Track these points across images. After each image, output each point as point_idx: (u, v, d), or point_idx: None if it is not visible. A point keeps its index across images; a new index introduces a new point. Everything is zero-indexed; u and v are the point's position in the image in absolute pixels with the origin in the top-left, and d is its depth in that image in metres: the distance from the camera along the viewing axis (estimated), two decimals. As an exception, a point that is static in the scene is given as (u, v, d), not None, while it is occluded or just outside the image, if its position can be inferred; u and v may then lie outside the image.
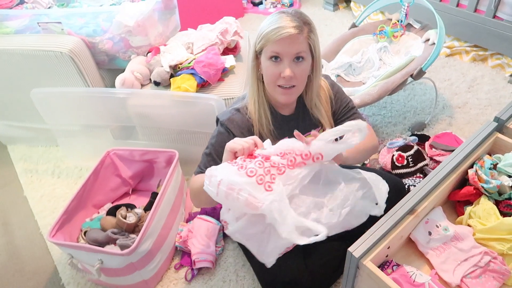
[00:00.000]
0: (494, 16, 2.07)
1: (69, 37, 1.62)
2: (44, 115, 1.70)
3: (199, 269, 1.46)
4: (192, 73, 1.57)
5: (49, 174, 1.92)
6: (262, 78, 1.07)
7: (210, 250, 1.45)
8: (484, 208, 1.01)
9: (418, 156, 1.61)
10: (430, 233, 1.00)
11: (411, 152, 1.61)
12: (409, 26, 1.93)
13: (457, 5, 2.19)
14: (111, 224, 1.48)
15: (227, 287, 1.40)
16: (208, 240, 1.47)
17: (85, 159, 1.93)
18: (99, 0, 1.84)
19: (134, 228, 1.49)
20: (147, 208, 1.56)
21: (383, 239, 0.91)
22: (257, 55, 1.04)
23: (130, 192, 1.75)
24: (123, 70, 1.66)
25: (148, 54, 1.69)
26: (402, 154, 1.60)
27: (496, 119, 1.14)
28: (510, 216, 1.00)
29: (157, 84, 1.61)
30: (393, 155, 1.62)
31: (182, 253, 1.51)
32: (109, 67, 1.81)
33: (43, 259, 1.58)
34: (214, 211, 1.59)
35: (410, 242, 1.04)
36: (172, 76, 1.62)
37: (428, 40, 1.74)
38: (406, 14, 1.86)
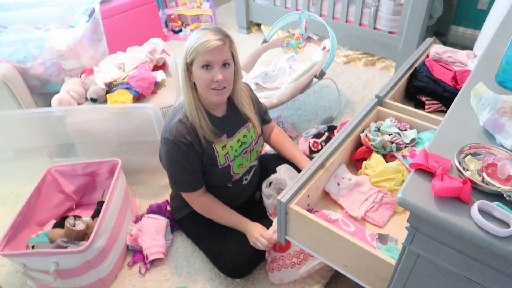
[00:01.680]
0: (375, 28, 2.56)
1: (0, 64, 1.69)
2: (-23, 142, 1.72)
3: (152, 262, 1.57)
4: (127, 88, 1.73)
5: (-18, 204, 1.89)
6: (195, 86, 1.28)
7: (161, 243, 1.58)
8: (375, 160, 1.33)
9: (329, 141, 1.93)
10: (339, 184, 1.28)
11: (323, 138, 1.93)
12: (309, 38, 2.31)
13: (346, 21, 2.67)
14: (60, 235, 1.53)
15: (180, 273, 1.54)
16: (157, 235, 1.60)
17: (20, 185, 1.94)
18: (27, 29, 1.93)
19: (83, 236, 1.56)
20: (95, 215, 1.65)
21: (303, 188, 1.16)
22: (188, 66, 1.25)
23: (74, 207, 1.81)
24: (57, 93, 1.76)
25: (82, 75, 1.81)
26: (316, 140, 1.92)
27: (377, 97, 1.49)
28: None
29: (94, 100, 1.74)
30: (309, 142, 1.92)
31: (134, 251, 1.62)
32: (42, 91, 1.89)
33: (-13, 283, 1.57)
34: (160, 210, 1.73)
35: (326, 195, 1.31)
36: (107, 92, 1.76)
37: (325, 47, 2.12)
38: (305, 29, 2.24)
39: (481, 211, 0.58)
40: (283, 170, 1.47)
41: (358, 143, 1.41)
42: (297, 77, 2.02)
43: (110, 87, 1.77)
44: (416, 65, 1.71)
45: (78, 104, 1.78)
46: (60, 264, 1.34)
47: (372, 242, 1.11)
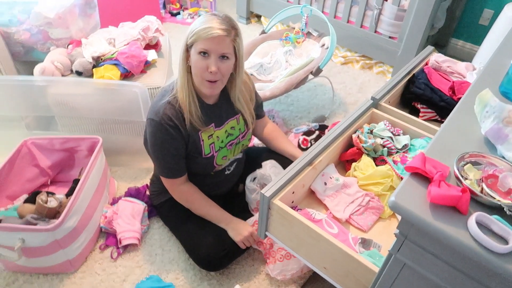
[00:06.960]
0: (375, 31, 2.52)
1: (-18, 24, 1.59)
2: (-50, 105, 1.62)
3: (125, 247, 1.51)
4: (115, 64, 1.65)
5: (-49, 171, 1.79)
6: (190, 70, 1.21)
7: (136, 228, 1.52)
8: (364, 162, 1.29)
9: (319, 139, 1.89)
10: (325, 184, 1.24)
11: (313, 136, 1.89)
12: (309, 34, 2.26)
13: (348, 22, 2.62)
14: (30, 211, 1.46)
15: (153, 260, 1.48)
16: (133, 219, 1.54)
17: (-5, 155, 1.85)
18: (15, -8, 1.83)
19: (55, 214, 1.49)
20: (69, 194, 1.57)
21: (289, 184, 1.11)
22: (188, 48, 1.18)
23: (49, 183, 1.73)
24: (41, 62, 1.67)
25: (69, 46, 1.73)
26: (306, 137, 1.88)
27: (373, 98, 1.46)
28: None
29: (79, 74, 1.65)
30: (299, 139, 1.88)
31: (107, 234, 1.55)
32: (25, 59, 1.80)
33: None
34: (138, 194, 1.66)
35: (311, 194, 1.27)
36: (94, 67, 1.68)
37: (324, 45, 2.08)
38: (306, 23, 2.19)
39: (479, 224, 0.54)
40: (268, 166, 1.43)
41: (349, 144, 1.37)
42: (293, 71, 1.97)
43: (97, 62, 1.69)
44: (414, 71, 1.68)
45: (62, 75, 1.69)
46: (27, 241, 1.27)
47: (355, 246, 1.08)
